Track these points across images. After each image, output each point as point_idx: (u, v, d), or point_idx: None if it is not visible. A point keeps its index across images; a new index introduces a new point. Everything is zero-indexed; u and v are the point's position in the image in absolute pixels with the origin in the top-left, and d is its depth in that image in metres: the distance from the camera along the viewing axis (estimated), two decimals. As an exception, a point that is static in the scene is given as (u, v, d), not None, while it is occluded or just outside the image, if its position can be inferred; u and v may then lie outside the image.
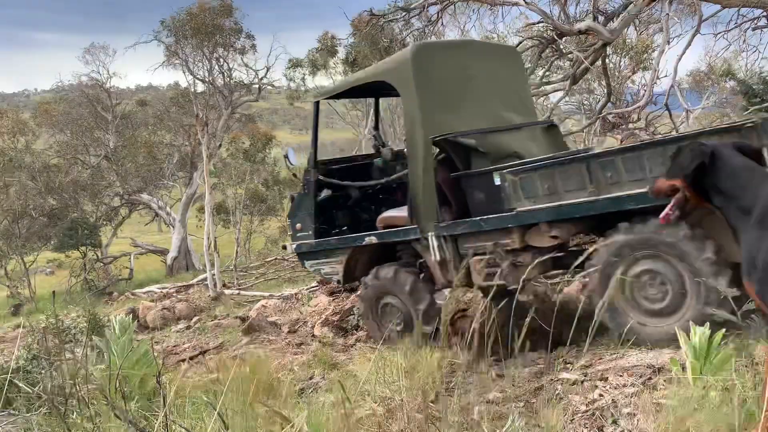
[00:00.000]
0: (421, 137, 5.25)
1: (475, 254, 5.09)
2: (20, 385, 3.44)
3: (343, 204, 6.51)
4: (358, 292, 6.09)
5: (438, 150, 5.27)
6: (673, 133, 9.00)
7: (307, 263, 6.57)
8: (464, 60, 5.87)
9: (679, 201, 2.81)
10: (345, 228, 6.43)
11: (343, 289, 9.07)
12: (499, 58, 6.47)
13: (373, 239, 5.80)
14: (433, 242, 5.24)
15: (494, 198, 4.94)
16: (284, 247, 7.45)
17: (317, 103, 6.48)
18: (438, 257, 5.26)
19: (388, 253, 5.91)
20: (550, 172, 4.65)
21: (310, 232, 6.29)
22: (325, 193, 6.20)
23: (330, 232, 6.32)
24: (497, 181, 4.89)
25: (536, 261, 4.21)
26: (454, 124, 5.35)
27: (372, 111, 7.30)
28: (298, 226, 6.44)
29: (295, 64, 23.15)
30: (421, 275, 5.60)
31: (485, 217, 4.98)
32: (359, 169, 6.71)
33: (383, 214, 5.96)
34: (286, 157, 6.82)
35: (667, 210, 2.90)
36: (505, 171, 4.84)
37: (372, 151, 6.86)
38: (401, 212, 5.62)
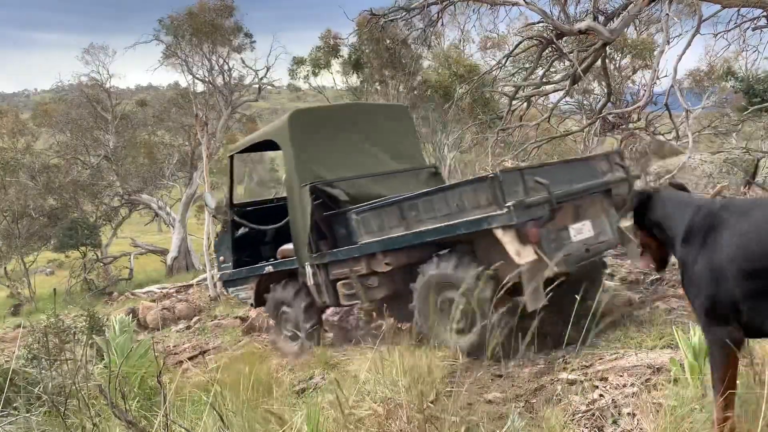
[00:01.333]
0: (297, 185, 6.16)
1: (339, 279, 6.02)
2: (29, 372, 3.45)
3: (261, 239, 7.41)
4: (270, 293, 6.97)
5: (314, 195, 6.12)
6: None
7: (230, 290, 7.59)
8: (342, 121, 6.84)
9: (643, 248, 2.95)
10: (268, 259, 7.29)
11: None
12: (383, 116, 7.33)
13: (270, 268, 6.77)
14: (308, 270, 6.15)
15: (351, 233, 5.87)
16: (213, 277, 8.41)
17: (231, 157, 7.57)
18: (312, 282, 6.19)
19: (290, 279, 6.73)
20: (379, 212, 5.58)
21: (230, 264, 7.31)
22: (242, 230, 7.29)
23: (251, 263, 7.22)
24: (352, 219, 5.82)
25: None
26: (326, 174, 6.27)
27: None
28: (222, 258, 7.52)
29: (298, 62, 23.13)
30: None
31: (341, 249, 5.91)
32: (275, 210, 7.43)
33: (282, 247, 6.82)
34: (205, 202, 7.98)
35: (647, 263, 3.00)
36: (352, 211, 5.80)
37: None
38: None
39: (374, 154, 6.78)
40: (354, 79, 22.51)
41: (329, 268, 6.06)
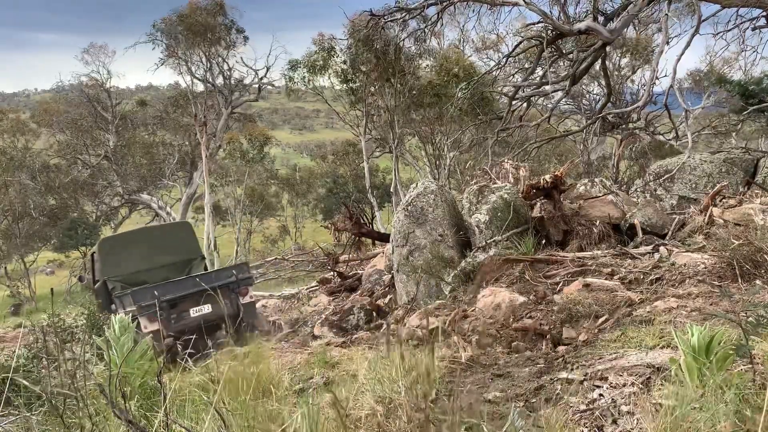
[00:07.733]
0: (101, 279, 9.90)
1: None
2: (22, 381, 3.45)
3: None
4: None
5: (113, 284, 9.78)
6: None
7: None
8: (137, 239, 10.61)
9: None
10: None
11: (343, 288, 10.54)
12: (167, 231, 11.31)
13: None
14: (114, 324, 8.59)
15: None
16: None
17: (92, 256, 10.87)
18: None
19: None
20: (127, 295, 8.80)
21: None
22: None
23: None
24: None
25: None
26: (119, 272, 9.85)
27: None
28: None
29: (293, 66, 23.12)
30: None
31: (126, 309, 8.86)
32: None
33: None
34: (80, 280, 11.69)
35: None
36: (121, 294, 9.11)
37: None
38: None
39: (157, 254, 10.29)
40: (352, 80, 22.50)
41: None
